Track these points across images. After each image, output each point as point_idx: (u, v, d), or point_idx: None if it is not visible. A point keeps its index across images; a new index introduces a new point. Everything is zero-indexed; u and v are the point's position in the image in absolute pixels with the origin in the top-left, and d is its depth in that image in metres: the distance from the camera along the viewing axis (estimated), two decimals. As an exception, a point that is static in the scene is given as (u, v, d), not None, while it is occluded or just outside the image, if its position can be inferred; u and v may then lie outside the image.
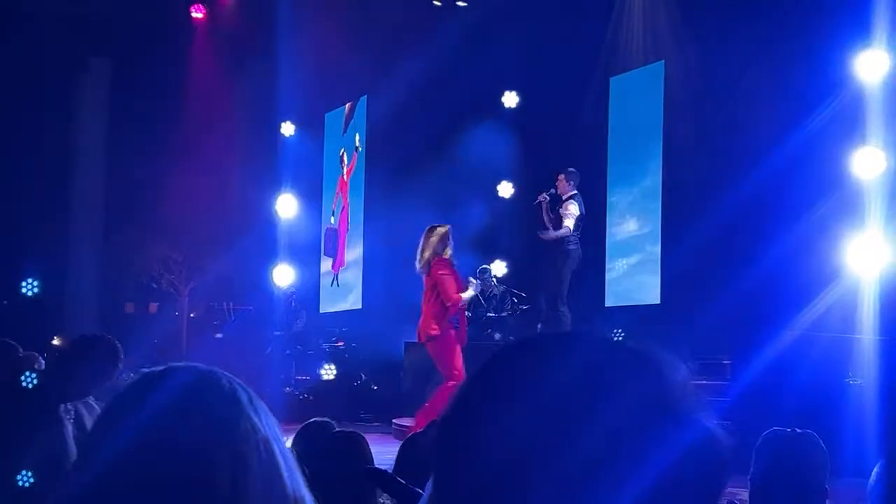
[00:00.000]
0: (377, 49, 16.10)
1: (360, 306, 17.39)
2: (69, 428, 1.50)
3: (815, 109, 11.02)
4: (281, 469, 1.33)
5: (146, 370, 1.36)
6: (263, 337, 16.25)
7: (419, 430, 4.40)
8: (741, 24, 12.10)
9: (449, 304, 9.98)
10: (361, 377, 14.88)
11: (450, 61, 14.53)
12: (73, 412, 1.51)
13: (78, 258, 19.72)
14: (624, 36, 14.45)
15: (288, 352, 15.88)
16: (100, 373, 1.49)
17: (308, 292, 18.15)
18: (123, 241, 18.82)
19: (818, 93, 10.99)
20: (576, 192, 12.58)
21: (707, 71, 12.70)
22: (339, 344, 15.78)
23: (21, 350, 1.68)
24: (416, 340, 10.51)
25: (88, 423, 1.56)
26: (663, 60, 13.87)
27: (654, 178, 13.90)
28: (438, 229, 10.09)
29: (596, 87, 14.80)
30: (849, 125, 10.53)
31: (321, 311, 18.54)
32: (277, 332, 16.14)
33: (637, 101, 14.33)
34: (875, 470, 3.34)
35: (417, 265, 10.03)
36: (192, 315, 19.61)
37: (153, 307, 20.51)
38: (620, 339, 1.09)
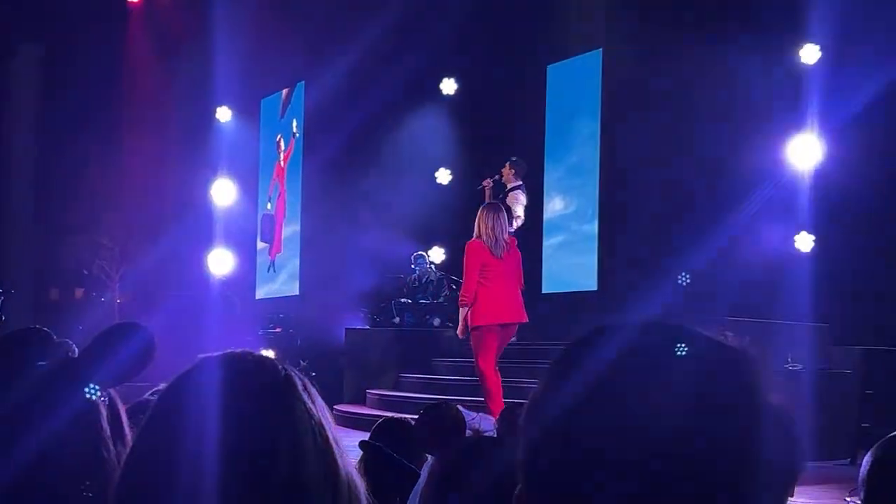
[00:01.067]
0: (314, 34, 16.02)
1: (297, 293, 17.33)
2: (104, 413, 1.51)
3: (752, 96, 11.25)
4: (334, 451, 1.36)
5: (203, 356, 1.38)
6: (197, 324, 16.09)
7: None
8: (680, 13, 12.23)
9: (521, 285, 9.14)
10: (300, 363, 14.83)
11: (388, 48, 14.49)
12: (107, 398, 1.51)
13: (5, 244, 19.37)
14: (562, 24, 14.50)
15: (224, 340, 15.75)
16: (136, 361, 1.50)
17: (244, 278, 18.03)
18: (52, 227, 18.54)
19: (757, 81, 11.18)
20: (520, 183, 12.50)
21: (645, 59, 12.78)
22: (277, 330, 15.71)
23: (55, 337, 1.67)
24: (516, 321, 9.09)
25: (121, 407, 1.57)
26: (601, 48, 13.98)
27: (591, 162, 14.02)
28: (498, 206, 9.26)
29: (534, 74, 14.87)
30: (786, 113, 10.81)
31: (257, 298, 18.45)
32: (212, 321, 16.00)
33: (574, 88, 14.44)
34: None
35: (498, 246, 8.82)
36: (118, 301, 19.35)
37: (79, 293, 20.22)
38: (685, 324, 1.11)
